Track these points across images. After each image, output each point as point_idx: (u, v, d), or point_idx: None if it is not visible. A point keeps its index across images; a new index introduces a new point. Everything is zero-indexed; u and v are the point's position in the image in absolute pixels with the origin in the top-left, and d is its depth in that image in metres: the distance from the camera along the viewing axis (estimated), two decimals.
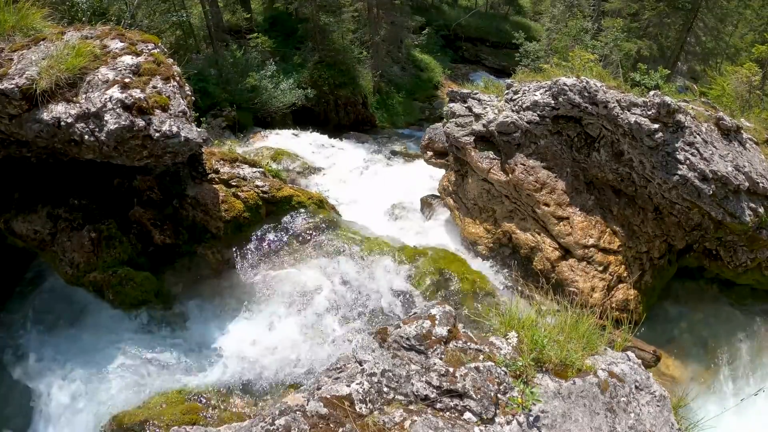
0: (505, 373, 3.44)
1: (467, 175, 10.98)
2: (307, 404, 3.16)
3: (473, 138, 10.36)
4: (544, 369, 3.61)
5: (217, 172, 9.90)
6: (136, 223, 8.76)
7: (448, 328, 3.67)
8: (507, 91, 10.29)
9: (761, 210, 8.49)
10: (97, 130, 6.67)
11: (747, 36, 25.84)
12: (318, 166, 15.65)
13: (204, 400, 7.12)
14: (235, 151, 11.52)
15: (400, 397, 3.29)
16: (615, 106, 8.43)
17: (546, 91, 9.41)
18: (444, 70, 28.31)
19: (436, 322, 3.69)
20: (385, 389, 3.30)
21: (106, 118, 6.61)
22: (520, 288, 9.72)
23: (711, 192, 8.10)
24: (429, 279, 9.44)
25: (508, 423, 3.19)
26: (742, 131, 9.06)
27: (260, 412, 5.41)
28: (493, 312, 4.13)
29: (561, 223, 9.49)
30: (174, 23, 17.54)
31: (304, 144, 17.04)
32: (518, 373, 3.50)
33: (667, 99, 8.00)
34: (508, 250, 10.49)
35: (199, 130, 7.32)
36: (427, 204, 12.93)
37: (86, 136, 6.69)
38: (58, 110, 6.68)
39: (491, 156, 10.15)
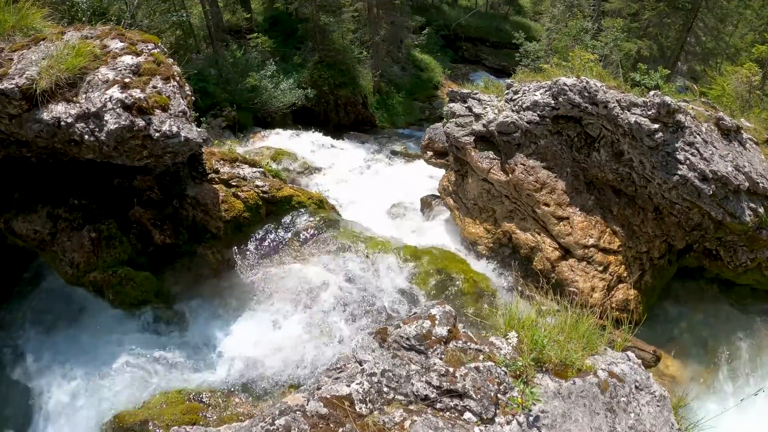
0: (505, 373, 3.44)
1: (467, 175, 10.98)
2: (307, 404, 3.16)
3: (473, 138, 10.36)
4: (544, 369, 3.61)
5: (217, 172, 9.90)
6: (136, 223, 8.76)
7: (448, 328, 3.67)
8: (507, 91, 10.29)
9: (761, 210, 8.49)
10: (97, 130, 6.67)
11: (747, 36, 25.84)
12: (318, 166, 15.66)
13: (204, 400, 7.12)
14: (235, 151, 11.53)
15: (400, 397, 3.29)
16: (615, 106, 8.43)
17: (546, 91, 9.41)
18: (444, 70, 28.30)
19: (436, 322, 3.69)
20: (385, 389, 3.30)
21: (106, 118, 6.61)
22: (520, 288, 9.72)
23: (711, 192, 8.10)
24: (429, 279, 9.45)
25: (508, 423, 3.19)
26: (742, 131, 9.06)
27: (260, 412, 5.41)
28: (493, 312, 4.13)
29: (561, 223, 9.49)
30: (174, 23, 17.54)
31: (304, 144, 17.06)
32: (518, 373, 3.50)
33: (667, 99, 8.00)
34: (508, 250, 10.49)
35: (199, 130, 7.32)
36: (427, 204, 12.93)
37: (86, 136, 6.69)
38: (58, 110, 6.68)
39: (491, 156, 10.15)
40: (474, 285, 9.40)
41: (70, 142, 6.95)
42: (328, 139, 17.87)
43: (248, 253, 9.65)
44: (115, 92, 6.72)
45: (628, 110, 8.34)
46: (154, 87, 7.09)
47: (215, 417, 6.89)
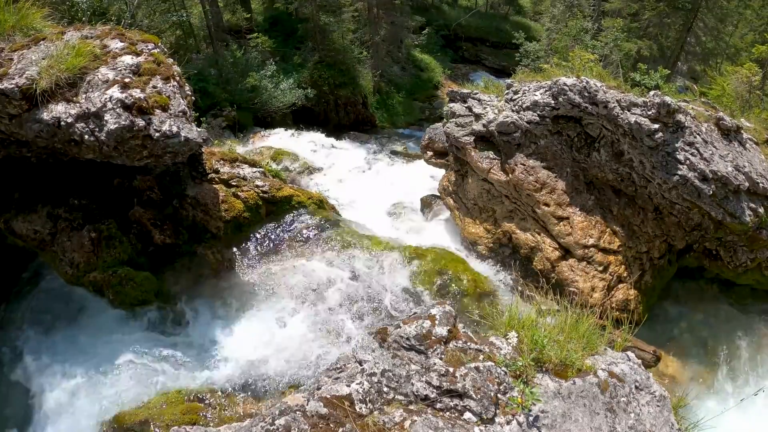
0: (505, 373, 3.44)
1: (467, 175, 10.98)
2: (307, 404, 3.16)
3: (473, 138, 10.36)
4: (544, 369, 3.61)
5: (217, 172, 9.90)
6: (136, 223, 8.76)
7: (448, 328, 3.67)
8: (507, 91, 10.29)
9: (761, 210, 8.49)
10: (97, 130, 6.67)
11: (747, 36, 25.83)
12: (318, 166, 15.66)
13: (204, 400, 7.12)
14: (235, 151, 11.54)
15: (400, 397, 3.29)
16: (615, 106, 8.43)
17: (546, 91, 9.41)
18: (444, 70, 28.30)
19: (436, 322, 3.69)
20: (385, 389, 3.30)
21: (106, 118, 6.61)
22: (520, 288, 9.72)
23: (711, 192, 8.10)
24: (429, 279, 9.45)
25: (508, 423, 3.19)
26: (742, 131, 9.06)
27: (261, 412, 5.41)
28: (493, 312, 4.13)
29: (561, 223, 9.49)
30: (174, 23, 17.55)
31: (304, 144, 17.06)
32: (518, 373, 3.50)
33: (667, 99, 8.00)
34: (508, 250, 10.49)
35: (199, 129, 7.32)
36: (427, 204, 12.93)
37: (86, 136, 6.69)
38: (58, 110, 6.67)
39: (491, 156, 10.15)
40: (474, 285, 9.41)
41: (70, 142, 6.95)
42: (328, 139, 17.87)
43: (248, 253, 9.66)
44: (115, 92, 6.72)
45: (628, 110, 8.34)
46: (154, 87, 7.09)
47: (215, 417, 6.89)
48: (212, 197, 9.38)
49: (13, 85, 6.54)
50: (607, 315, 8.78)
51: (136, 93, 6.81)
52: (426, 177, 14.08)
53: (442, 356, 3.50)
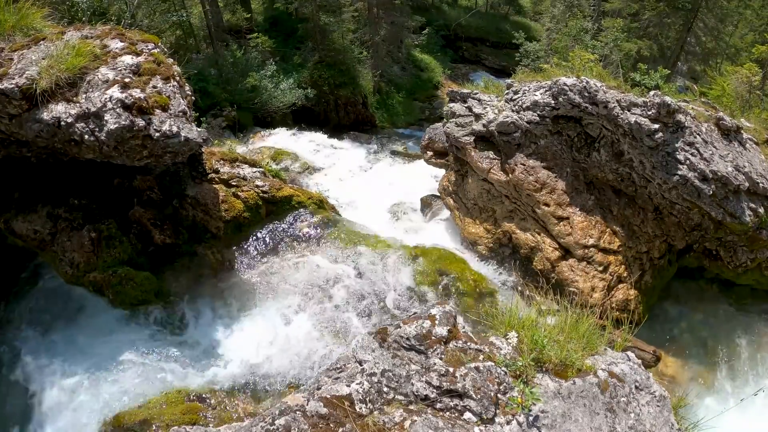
0: (505, 373, 3.44)
1: (467, 175, 10.98)
2: (307, 404, 3.16)
3: (473, 138, 10.36)
4: (544, 369, 3.61)
5: (217, 172, 9.90)
6: (136, 223, 8.76)
7: (448, 328, 3.67)
8: (507, 91, 10.29)
9: (761, 210, 8.49)
10: (97, 129, 6.67)
11: (747, 36, 25.82)
12: (318, 166, 15.66)
13: (205, 400, 7.12)
14: (235, 151, 11.54)
15: (400, 397, 3.29)
16: (615, 106, 8.43)
17: (546, 91, 9.41)
18: (444, 70, 28.29)
19: (436, 322, 3.69)
20: (385, 389, 3.30)
21: (106, 118, 6.61)
22: (520, 288, 9.72)
23: (711, 192, 8.10)
24: (429, 279, 9.45)
25: (508, 423, 3.19)
26: (742, 131, 9.06)
27: (260, 411, 5.41)
28: (493, 312, 4.13)
29: (561, 223, 9.49)
30: (174, 23, 17.55)
31: (304, 144, 17.06)
32: (518, 373, 3.50)
33: (667, 99, 8.00)
34: (508, 250, 10.49)
35: (199, 129, 7.32)
36: (427, 204, 12.93)
37: (86, 136, 6.69)
38: (58, 110, 6.68)
39: (491, 156, 10.15)
40: (474, 285, 9.41)
41: (70, 142, 6.95)
42: (328, 139, 17.88)
43: (248, 253, 9.66)
44: (115, 92, 6.72)
45: (628, 110, 8.34)
46: (154, 87, 7.09)
47: (215, 417, 6.89)
48: (212, 197, 9.38)
49: (13, 85, 6.54)
50: (607, 315, 8.78)
51: (136, 93, 6.81)
52: (426, 177, 14.07)
53: (442, 356, 3.50)
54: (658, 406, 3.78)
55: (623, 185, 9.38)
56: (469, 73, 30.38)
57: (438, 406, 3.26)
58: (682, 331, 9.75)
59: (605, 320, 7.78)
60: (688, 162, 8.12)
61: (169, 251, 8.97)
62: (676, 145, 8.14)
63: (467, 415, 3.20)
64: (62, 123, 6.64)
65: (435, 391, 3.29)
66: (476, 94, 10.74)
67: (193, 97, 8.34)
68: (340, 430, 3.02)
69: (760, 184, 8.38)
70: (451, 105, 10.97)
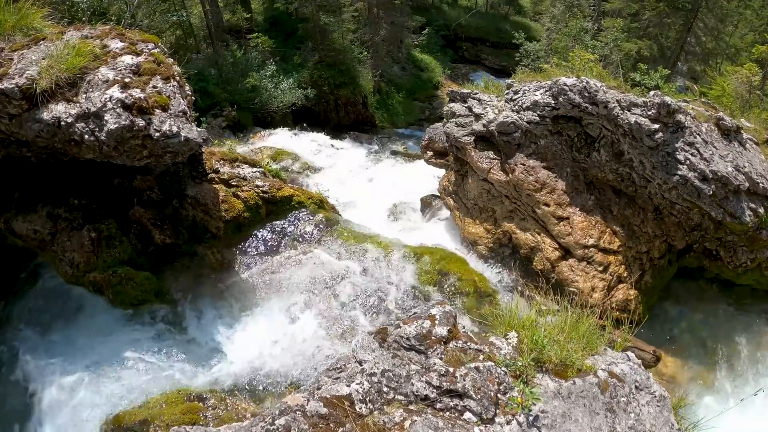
0: (505, 373, 3.44)
1: (467, 175, 10.98)
2: (307, 404, 3.16)
3: (473, 138, 10.35)
4: (544, 369, 3.60)
5: (217, 171, 9.90)
6: (136, 222, 8.76)
7: (448, 328, 3.67)
8: (507, 91, 10.29)
9: (761, 210, 8.49)
10: (97, 129, 6.67)
11: (747, 36, 25.82)
12: (318, 165, 15.66)
13: (204, 400, 7.12)
14: (235, 151, 11.53)
15: (400, 397, 3.29)
16: (615, 106, 8.43)
17: (546, 91, 9.41)
18: (444, 70, 28.28)
19: (436, 322, 3.69)
20: (385, 389, 3.30)
21: (106, 118, 6.61)
22: (520, 288, 9.72)
23: (711, 192, 8.10)
24: (429, 279, 9.45)
25: (508, 423, 3.19)
26: (742, 131, 9.06)
27: (260, 411, 5.41)
28: (493, 312, 4.13)
29: (561, 223, 9.49)
30: (174, 23, 17.54)
31: (304, 144, 17.06)
32: (518, 373, 3.50)
33: (667, 99, 8.00)
34: (508, 250, 10.49)
35: (199, 129, 7.32)
36: (427, 204, 12.93)
37: (86, 136, 6.69)
38: (58, 110, 6.68)
39: (491, 156, 10.15)
40: (474, 285, 9.41)
41: (70, 142, 6.95)
42: (328, 139, 17.88)
43: (248, 253, 9.66)
44: (115, 92, 6.72)
45: (628, 110, 8.34)
46: (154, 87, 7.09)
47: (215, 417, 6.89)
48: (212, 197, 9.38)
49: (13, 85, 6.54)
50: (607, 315, 8.78)
51: (136, 93, 6.81)
52: (426, 177, 14.06)
53: (442, 356, 3.50)
54: (658, 406, 3.78)
55: (623, 185, 9.38)
56: (469, 73, 30.38)
57: (438, 406, 3.25)
58: (682, 331, 9.75)
59: (605, 320, 7.78)
60: (688, 162, 8.12)
61: (169, 251, 8.97)
62: (676, 145, 8.14)
63: (467, 415, 3.20)
64: (62, 123, 6.64)
65: (435, 391, 3.29)
66: (476, 94, 10.74)
67: (193, 97, 8.34)
68: (340, 430, 3.02)
69: (760, 184, 8.38)
70: (451, 105, 10.97)
